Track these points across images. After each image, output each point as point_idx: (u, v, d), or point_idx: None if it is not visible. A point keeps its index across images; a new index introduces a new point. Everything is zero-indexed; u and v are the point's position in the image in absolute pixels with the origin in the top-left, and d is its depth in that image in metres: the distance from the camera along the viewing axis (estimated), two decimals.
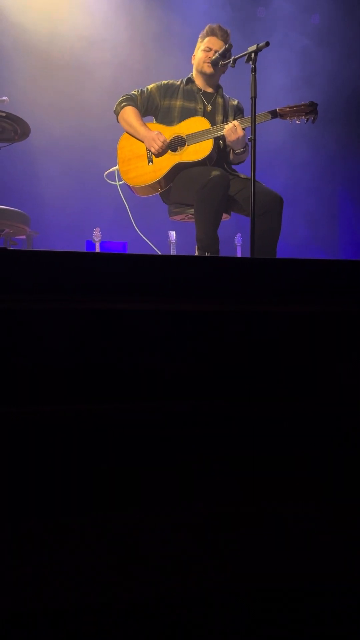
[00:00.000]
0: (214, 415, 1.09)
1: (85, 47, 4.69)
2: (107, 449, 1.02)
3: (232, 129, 2.48)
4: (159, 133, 2.59)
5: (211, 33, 2.63)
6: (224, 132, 2.50)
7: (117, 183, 2.78)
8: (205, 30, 2.67)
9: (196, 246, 2.51)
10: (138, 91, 2.70)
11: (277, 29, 5.02)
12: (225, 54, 2.52)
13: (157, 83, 2.72)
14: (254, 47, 2.20)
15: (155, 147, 2.57)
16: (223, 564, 1.02)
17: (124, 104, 2.67)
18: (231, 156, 2.69)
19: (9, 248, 1.12)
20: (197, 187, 2.44)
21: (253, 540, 1.05)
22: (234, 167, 2.77)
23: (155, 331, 1.09)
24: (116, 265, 1.11)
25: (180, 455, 1.05)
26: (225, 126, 2.50)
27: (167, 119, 2.68)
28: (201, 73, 2.67)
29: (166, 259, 1.18)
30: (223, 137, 2.66)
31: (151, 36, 4.79)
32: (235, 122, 2.49)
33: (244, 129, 2.53)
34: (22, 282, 1.04)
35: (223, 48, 2.54)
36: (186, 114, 2.65)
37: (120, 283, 1.09)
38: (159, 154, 2.60)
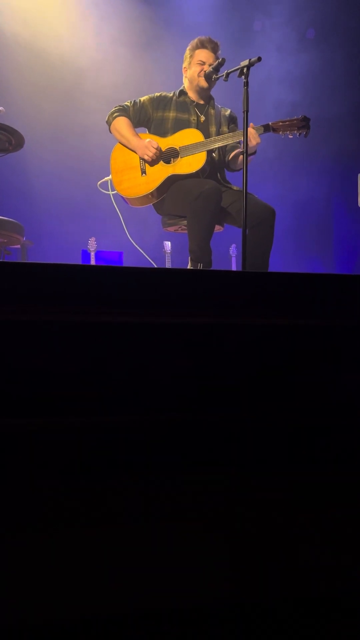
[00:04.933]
0: (207, 427, 1.09)
1: (80, 58, 4.73)
2: (98, 459, 1.02)
3: (252, 135, 2.42)
4: (151, 140, 2.60)
5: (201, 45, 2.65)
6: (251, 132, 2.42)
7: (110, 192, 2.79)
8: (194, 43, 2.67)
9: (189, 257, 2.53)
10: (130, 102, 2.71)
11: (272, 42, 5.08)
12: (217, 68, 2.54)
13: (149, 95, 2.74)
14: (246, 62, 2.22)
15: (149, 154, 2.58)
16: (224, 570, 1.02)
17: (116, 114, 2.68)
18: (239, 160, 2.68)
19: (2, 260, 1.13)
20: (190, 199, 2.45)
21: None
22: (227, 178, 2.79)
23: (147, 343, 1.09)
24: (107, 278, 1.11)
25: (176, 465, 1.05)
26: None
27: (160, 130, 2.69)
28: (197, 86, 2.69)
29: (159, 272, 1.19)
30: (216, 150, 2.68)
31: (146, 48, 4.83)
32: (252, 130, 2.44)
33: (239, 143, 2.54)
34: (14, 294, 1.05)
35: (216, 62, 2.56)
36: (180, 125, 2.67)
37: (115, 296, 1.10)
38: (153, 162, 2.61)
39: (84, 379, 1.05)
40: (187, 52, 2.70)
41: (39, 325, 1.04)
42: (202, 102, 2.75)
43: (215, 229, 2.61)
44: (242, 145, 2.54)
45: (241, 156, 2.62)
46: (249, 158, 2.64)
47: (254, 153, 2.54)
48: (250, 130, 2.45)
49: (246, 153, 2.23)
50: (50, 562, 0.96)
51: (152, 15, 4.88)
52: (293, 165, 5.18)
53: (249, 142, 2.47)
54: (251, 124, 2.44)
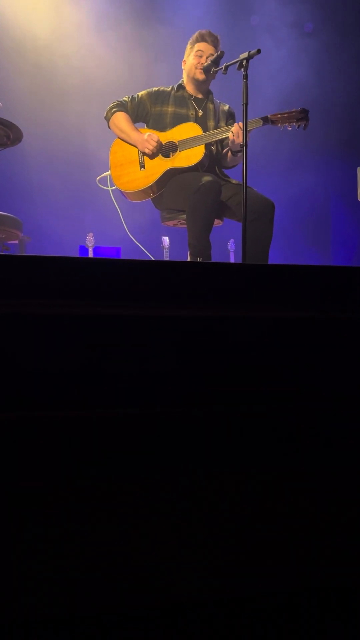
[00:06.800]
0: (207, 420, 1.09)
1: (79, 53, 4.71)
2: (100, 453, 1.02)
3: (240, 130, 2.42)
4: (150, 134, 2.59)
5: (201, 39, 2.65)
6: (233, 130, 2.47)
7: (109, 188, 2.78)
8: (194, 36, 2.67)
9: (188, 251, 2.52)
10: (129, 97, 2.71)
11: (270, 37, 5.06)
12: (217, 61, 2.53)
13: (147, 90, 2.73)
14: (245, 55, 2.22)
15: (150, 147, 2.57)
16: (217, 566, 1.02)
17: (114, 109, 2.67)
18: (228, 158, 2.69)
19: (1, 253, 1.13)
20: (189, 193, 2.44)
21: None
22: (226, 172, 2.78)
23: (148, 336, 1.09)
24: (108, 271, 1.11)
25: (174, 460, 1.05)
26: (232, 128, 2.48)
27: (159, 125, 2.69)
28: (193, 79, 2.68)
29: (158, 265, 1.18)
30: (215, 143, 2.68)
31: (145, 43, 4.81)
32: (236, 128, 2.46)
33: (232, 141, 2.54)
34: (15, 287, 1.04)
35: (215, 55, 2.55)
36: (178, 120, 2.66)
37: (113, 288, 1.09)
38: (153, 155, 2.60)
39: (84, 373, 1.05)
40: (188, 45, 2.71)
41: (37, 318, 1.04)
42: (200, 96, 2.74)
43: (215, 223, 2.60)
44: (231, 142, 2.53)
45: (229, 153, 2.63)
46: (237, 158, 2.64)
47: (240, 151, 2.54)
48: (235, 128, 2.46)
49: (245, 146, 2.22)
50: (44, 558, 0.96)
51: (151, 9, 4.85)
52: (291, 158, 5.17)
53: (235, 139, 2.47)
54: (238, 123, 2.44)
